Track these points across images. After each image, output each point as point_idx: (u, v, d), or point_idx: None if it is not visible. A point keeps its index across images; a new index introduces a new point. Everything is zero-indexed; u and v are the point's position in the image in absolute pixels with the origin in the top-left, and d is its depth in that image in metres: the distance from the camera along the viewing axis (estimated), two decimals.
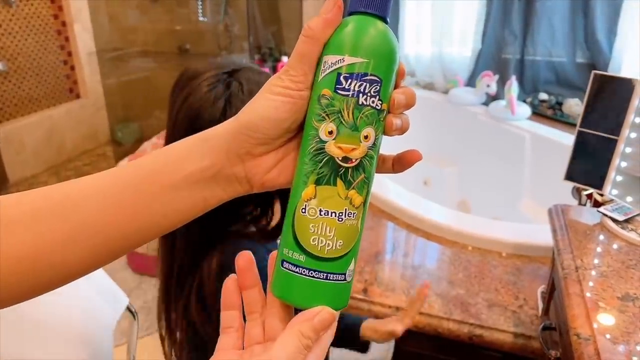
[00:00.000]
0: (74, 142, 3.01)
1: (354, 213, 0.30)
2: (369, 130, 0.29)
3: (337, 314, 0.30)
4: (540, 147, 1.99)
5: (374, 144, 0.30)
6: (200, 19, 3.48)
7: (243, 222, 0.74)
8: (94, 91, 3.08)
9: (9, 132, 2.60)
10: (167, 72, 3.01)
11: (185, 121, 0.64)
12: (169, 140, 0.68)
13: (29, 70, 2.75)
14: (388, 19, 0.31)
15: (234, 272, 0.33)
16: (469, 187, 2.22)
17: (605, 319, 0.71)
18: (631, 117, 0.92)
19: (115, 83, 2.95)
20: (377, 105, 0.29)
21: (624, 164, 0.95)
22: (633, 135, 0.93)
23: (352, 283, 0.32)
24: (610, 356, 0.64)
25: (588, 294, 0.76)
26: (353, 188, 0.29)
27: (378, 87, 0.29)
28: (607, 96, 0.96)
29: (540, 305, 1.07)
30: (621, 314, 0.72)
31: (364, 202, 0.31)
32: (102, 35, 3.01)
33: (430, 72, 2.52)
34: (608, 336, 0.68)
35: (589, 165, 1.01)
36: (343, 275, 0.30)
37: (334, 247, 0.29)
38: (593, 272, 0.82)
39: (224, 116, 0.61)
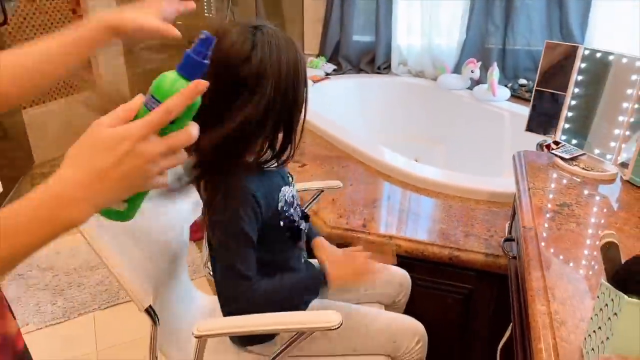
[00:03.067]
0: None
1: None
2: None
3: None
4: (518, 125, 2.20)
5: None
6: (206, 14, 3.71)
7: (253, 154, 0.86)
8: (108, 81, 3.29)
9: (34, 117, 2.81)
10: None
11: (219, 65, 0.77)
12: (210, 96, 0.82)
13: None
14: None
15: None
16: (455, 163, 2.45)
17: (546, 217, 0.95)
18: (575, 76, 1.16)
19: (130, 74, 3.16)
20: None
21: (570, 114, 1.19)
22: (576, 90, 1.17)
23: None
24: (548, 238, 0.88)
25: (536, 204, 1.00)
26: None
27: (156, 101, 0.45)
28: (557, 60, 1.20)
29: (506, 234, 1.30)
30: (557, 214, 0.96)
31: None
32: None
33: (420, 61, 2.75)
34: (546, 225, 0.91)
35: (544, 117, 1.24)
36: None
37: None
38: (542, 191, 1.06)
39: (252, 52, 0.78)
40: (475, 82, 2.50)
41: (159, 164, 0.43)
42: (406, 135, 2.64)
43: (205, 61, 0.45)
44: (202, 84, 0.43)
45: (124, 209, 0.47)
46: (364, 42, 2.91)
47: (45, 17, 2.89)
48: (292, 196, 0.97)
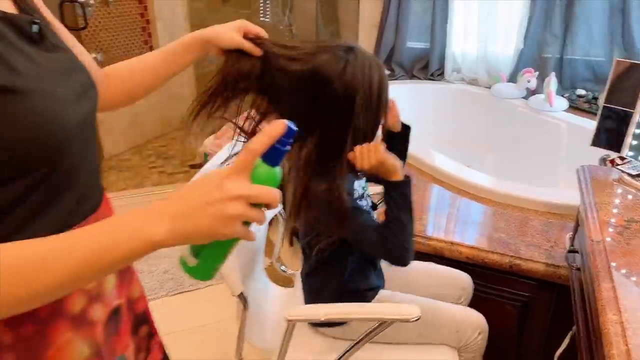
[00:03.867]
0: (153, 126, 3.42)
1: None
2: None
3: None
4: (576, 136, 2.21)
5: None
6: (261, 19, 3.84)
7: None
8: (168, 83, 3.48)
9: (102, 113, 3.02)
10: None
11: (313, 80, 0.85)
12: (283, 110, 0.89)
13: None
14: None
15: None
16: (508, 172, 2.45)
17: (614, 231, 0.98)
18: None
19: (192, 75, 3.33)
20: None
21: (638, 131, 1.20)
22: None
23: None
24: (616, 251, 0.91)
25: (603, 218, 1.03)
26: None
27: None
28: (626, 78, 1.22)
29: (568, 246, 1.33)
30: (625, 229, 0.99)
31: None
32: (179, 32, 3.41)
33: (475, 68, 2.77)
34: (614, 240, 0.95)
35: (611, 133, 1.27)
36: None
37: None
38: (608, 206, 1.08)
39: (344, 69, 0.85)
40: (532, 92, 2.50)
41: (242, 206, 0.45)
42: (458, 142, 2.66)
43: (285, 148, 0.47)
44: (280, 124, 0.46)
45: (193, 264, 0.49)
46: (418, 49, 2.95)
47: (116, 21, 3.09)
48: (363, 188, 1.06)
